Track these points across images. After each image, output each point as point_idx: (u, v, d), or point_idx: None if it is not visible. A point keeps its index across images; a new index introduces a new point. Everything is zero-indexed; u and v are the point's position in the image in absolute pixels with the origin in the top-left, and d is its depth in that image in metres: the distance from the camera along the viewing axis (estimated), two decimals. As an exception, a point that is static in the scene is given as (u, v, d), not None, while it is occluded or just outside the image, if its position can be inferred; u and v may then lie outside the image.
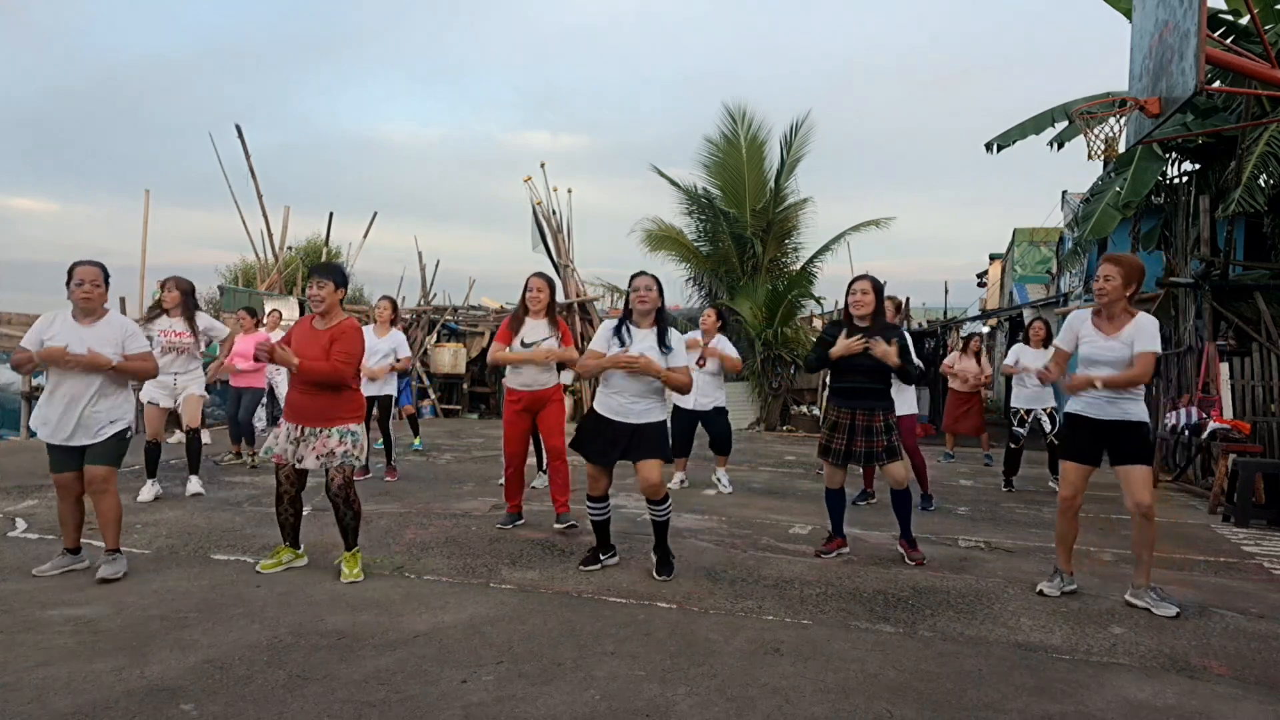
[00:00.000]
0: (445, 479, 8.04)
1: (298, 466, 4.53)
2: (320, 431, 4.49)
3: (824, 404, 8.96)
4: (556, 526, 5.78)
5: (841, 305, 5.54)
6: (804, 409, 15.79)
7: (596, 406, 4.71)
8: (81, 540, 4.65)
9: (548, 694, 3.12)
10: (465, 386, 16.52)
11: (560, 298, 16.55)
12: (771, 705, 3.07)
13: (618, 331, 4.69)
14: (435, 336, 16.20)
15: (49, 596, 4.11)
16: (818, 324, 17.57)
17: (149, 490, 6.55)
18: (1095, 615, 4.23)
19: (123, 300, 12.39)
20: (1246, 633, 4.06)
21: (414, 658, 3.43)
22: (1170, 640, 3.91)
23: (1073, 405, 4.51)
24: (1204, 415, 8.39)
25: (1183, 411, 8.64)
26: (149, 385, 6.56)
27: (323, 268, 4.69)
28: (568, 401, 10.56)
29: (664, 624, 3.93)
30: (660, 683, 3.25)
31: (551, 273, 17.47)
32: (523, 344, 5.64)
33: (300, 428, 4.51)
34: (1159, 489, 8.87)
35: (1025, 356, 8.21)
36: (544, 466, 7.41)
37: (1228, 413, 8.65)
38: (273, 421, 9.22)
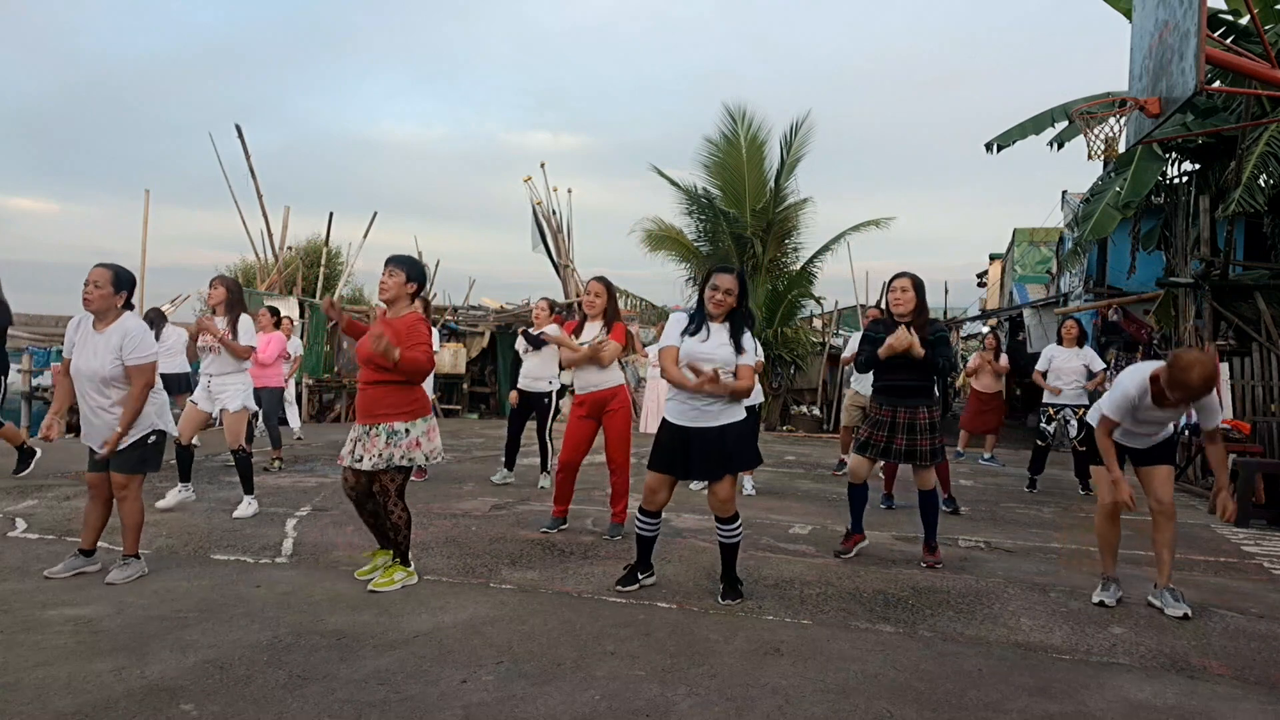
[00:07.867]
0: (445, 479, 8.03)
1: (355, 467, 4.33)
2: (370, 430, 4.33)
3: (842, 398, 8.89)
4: (614, 536, 5.60)
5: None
6: (804, 409, 15.81)
7: (669, 416, 4.29)
8: (99, 544, 4.60)
9: (548, 694, 3.12)
10: (465, 386, 16.53)
11: (560, 298, 16.64)
12: (771, 705, 3.07)
13: (692, 328, 4.29)
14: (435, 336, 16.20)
15: (49, 596, 4.11)
16: (817, 324, 17.59)
17: (174, 496, 6.20)
18: (1095, 615, 4.24)
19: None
20: (1246, 633, 4.07)
21: (414, 658, 3.43)
22: (1170, 640, 3.91)
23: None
24: (1204, 415, 8.37)
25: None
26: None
27: (399, 257, 4.45)
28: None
29: (664, 624, 3.93)
30: (660, 683, 3.25)
31: (553, 272, 17.61)
32: None
33: (360, 426, 4.40)
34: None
35: (1059, 357, 8.17)
36: (547, 467, 7.41)
37: (1228, 413, 8.65)
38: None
